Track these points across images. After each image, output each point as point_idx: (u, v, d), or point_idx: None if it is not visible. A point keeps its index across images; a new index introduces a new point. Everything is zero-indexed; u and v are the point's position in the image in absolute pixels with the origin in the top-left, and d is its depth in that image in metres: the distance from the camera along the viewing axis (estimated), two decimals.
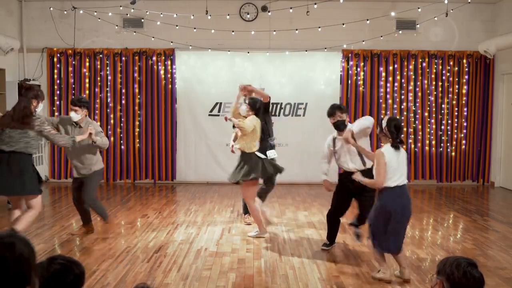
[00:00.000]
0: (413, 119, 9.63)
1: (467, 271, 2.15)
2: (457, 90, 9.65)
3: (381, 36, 9.33)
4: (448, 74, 9.64)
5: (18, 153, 4.81)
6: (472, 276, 2.14)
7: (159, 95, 9.61)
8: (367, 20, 9.10)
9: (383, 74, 9.61)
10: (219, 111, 9.62)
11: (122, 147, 9.63)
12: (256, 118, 5.62)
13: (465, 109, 9.64)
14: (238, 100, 5.85)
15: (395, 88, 9.62)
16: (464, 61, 9.63)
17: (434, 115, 9.62)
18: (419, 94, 9.63)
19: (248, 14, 9.52)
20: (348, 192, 5.14)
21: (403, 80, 9.62)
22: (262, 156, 5.70)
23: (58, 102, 9.62)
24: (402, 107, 9.63)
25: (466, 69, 9.64)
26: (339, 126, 5.16)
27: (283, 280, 4.39)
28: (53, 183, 9.65)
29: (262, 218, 5.76)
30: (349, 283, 4.30)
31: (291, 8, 8.84)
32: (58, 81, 9.63)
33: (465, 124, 9.67)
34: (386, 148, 4.23)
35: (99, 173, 5.73)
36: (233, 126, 5.85)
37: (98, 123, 9.36)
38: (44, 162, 9.63)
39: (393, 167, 4.15)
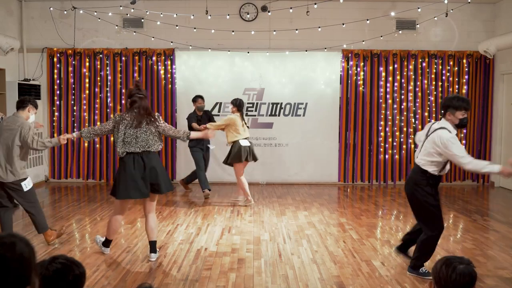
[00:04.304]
0: (413, 119, 9.64)
1: (448, 262, 2.17)
2: (457, 90, 9.65)
3: (381, 36, 9.33)
4: (448, 74, 9.64)
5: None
6: (453, 267, 2.15)
7: (159, 95, 9.62)
8: (367, 20, 9.10)
9: (383, 74, 9.61)
10: (219, 111, 9.63)
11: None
12: (234, 115, 7.48)
13: None
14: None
15: (395, 88, 9.62)
16: (464, 61, 9.64)
17: (434, 115, 9.62)
18: (419, 94, 9.63)
19: (248, 14, 9.52)
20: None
21: (403, 80, 9.63)
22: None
23: (58, 102, 9.63)
24: (402, 107, 9.63)
25: (466, 69, 9.64)
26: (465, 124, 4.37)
27: (283, 280, 4.39)
28: (53, 183, 9.65)
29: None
30: (349, 283, 4.30)
31: (291, 8, 8.85)
32: (58, 81, 9.63)
33: None
34: None
35: None
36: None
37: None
38: (44, 162, 9.63)
39: None
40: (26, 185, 5.17)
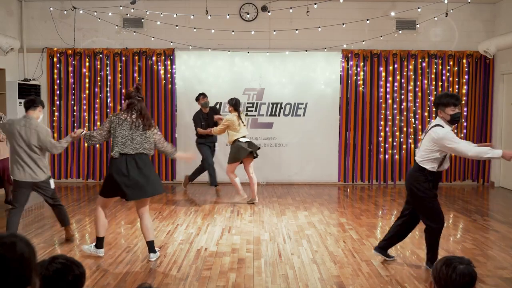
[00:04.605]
0: (413, 119, 9.64)
1: (448, 262, 2.17)
2: (457, 90, 9.65)
3: (381, 36, 9.33)
4: (448, 74, 9.65)
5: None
6: (453, 267, 2.15)
7: (159, 95, 9.62)
8: (367, 20, 9.10)
9: (383, 74, 9.61)
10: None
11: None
12: (232, 116, 7.59)
13: (465, 109, 9.65)
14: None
15: (395, 88, 9.62)
16: (464, 61, 9.64)
17: (434, 115, 9.60)
18: (419, 94, 9.64)
19: (248, 14, 9.52)
20: None
21: (403, 80, 9.63)
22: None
23: (58, 102, 9.63)
24: (402, 107, 9.63)
25: (466, 69, 9.64)
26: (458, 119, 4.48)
27: (283, 280, 4.39)
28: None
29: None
30: (349, 283, 4.30)
31: (291, 8, 8.85)
32: (58, 81, 9.63)
33: (465, 124, 9.67)
34: None
35: None
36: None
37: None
38: None
39: None
40: (53, 183, 5.49)
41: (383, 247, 4.91)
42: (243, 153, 7.49)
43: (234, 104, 7.67)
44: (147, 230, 4.92)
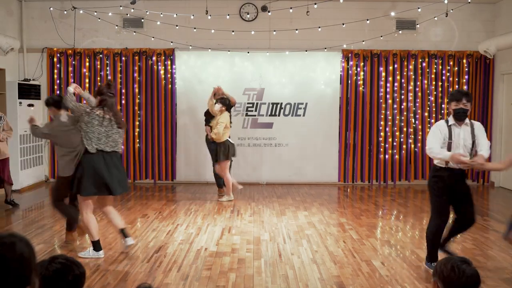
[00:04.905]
0: (413, 119, 9.63)
1: (454, 266, 2.18)
2: None
3: (381, 36, 9.33)
4: (448, 74, 9.64)
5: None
6: (461, 270, 2.16)
7: (159, 95, 9.62)
8: (367, 20, 9.10)
9: (383, 74, 9.61)
10: None
11: (122, 147, 9.63)
12: (226, 114, 7.73)
13: None
14: (213, 97, 7.96)
15: (395, 88, 9.62)
16: (464, 61, 9.64)
17: (434, 115, 9.62)
18: (419, 94, 9.63)
19: (248, 14, 9.52)
20: (449, 194, 4.64)
21: (403, 80, 9.63)
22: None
23: None
24: (402, 107, 9.63)
25: (466, 69, 9.64)
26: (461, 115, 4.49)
27: (283, 280, 4.39)
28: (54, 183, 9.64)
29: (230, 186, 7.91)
30: (349, 283, 4.30)
31: (291, 8, 8.85)
32: (58, 81, 9.63)
33: None
34: None
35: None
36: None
37: None
38: (44, 162, 9.62)
39: None
40: None
41: (443, 245, 4.86)
42: (234, 151, 7.78)
43: (228, 104, 7.84)
44: (115, 220, 5.07)
